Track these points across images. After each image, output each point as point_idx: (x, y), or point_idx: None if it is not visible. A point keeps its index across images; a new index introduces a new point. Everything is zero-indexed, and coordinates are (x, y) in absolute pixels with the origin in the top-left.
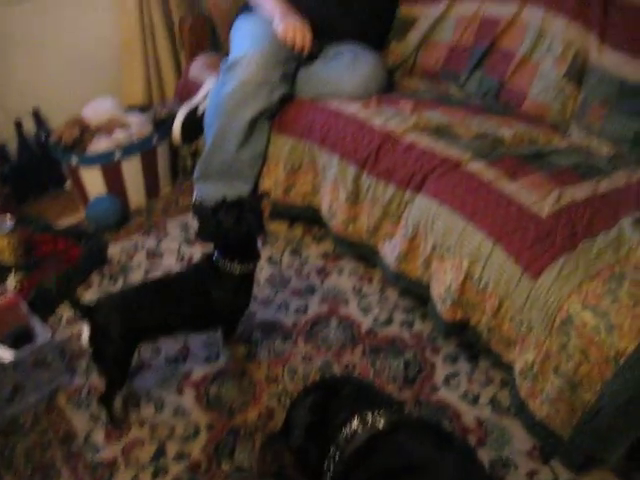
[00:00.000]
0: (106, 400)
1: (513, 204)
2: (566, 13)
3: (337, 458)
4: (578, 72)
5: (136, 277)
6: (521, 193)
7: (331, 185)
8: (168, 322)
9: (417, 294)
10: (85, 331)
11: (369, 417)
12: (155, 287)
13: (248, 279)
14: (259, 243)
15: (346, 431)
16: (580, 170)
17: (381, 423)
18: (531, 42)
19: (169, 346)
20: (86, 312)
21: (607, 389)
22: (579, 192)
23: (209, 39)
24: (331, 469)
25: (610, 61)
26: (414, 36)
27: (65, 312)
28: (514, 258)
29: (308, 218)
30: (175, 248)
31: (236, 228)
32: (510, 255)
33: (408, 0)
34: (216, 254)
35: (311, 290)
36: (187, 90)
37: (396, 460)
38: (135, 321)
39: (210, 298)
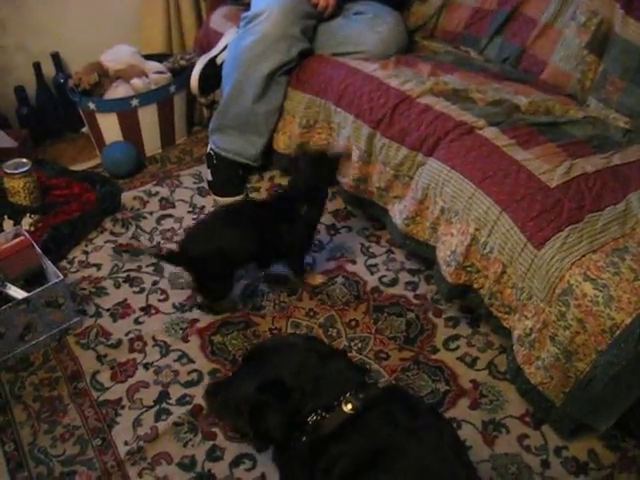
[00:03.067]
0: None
1: (523, 172)
2: None
3: (304, 440)
4: (600, 42)
5: (148, 225)
6: (532, 162)
7: (345, 143)
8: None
9: (423, 256)
10: None
11: (336, 403)
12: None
13: (314, 220)
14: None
15: (313, 418)
16: (594, 142)
17: (348, 407)
18: (555, 9)
19: (177, 293)
20: (174, 258)
21: (601, 359)
22: (590, 164)
23: None
24: (297, 451)
25: (634, 33)
26: None
27: (77, 255)
28: (520, 226)
29: None
30: (188, 198)
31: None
32: (516, 223)
33: None
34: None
35: (320, 247)
36: (207, 40)
37: (365, 445)
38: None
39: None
